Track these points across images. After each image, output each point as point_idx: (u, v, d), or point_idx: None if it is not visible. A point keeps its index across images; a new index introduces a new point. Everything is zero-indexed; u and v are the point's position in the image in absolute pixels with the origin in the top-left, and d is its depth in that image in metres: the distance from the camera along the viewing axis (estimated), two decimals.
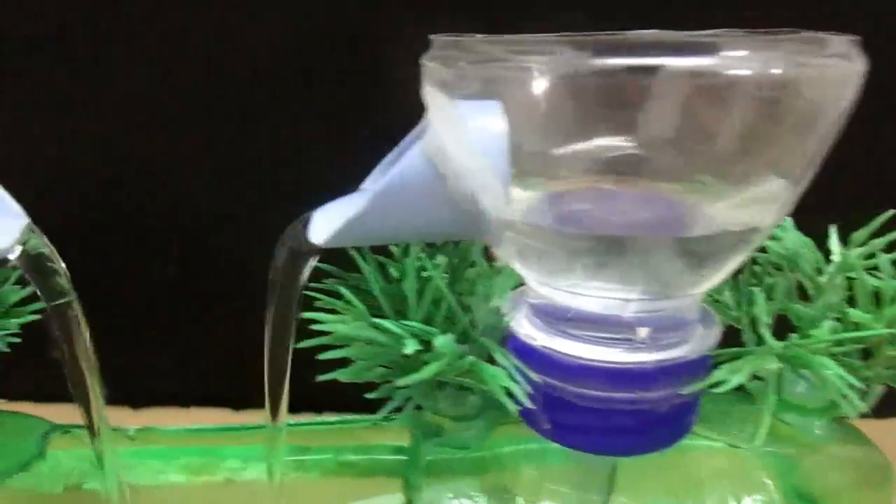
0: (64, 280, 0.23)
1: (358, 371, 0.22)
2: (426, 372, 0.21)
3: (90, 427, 0.25)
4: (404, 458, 0.30)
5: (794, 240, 0.27)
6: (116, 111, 0.43)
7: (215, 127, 0.43)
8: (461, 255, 0.25)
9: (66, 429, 0.29)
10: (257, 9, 0.41)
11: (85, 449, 0.30)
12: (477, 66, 0.20)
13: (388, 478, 0.31)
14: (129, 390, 0.46)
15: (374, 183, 0.25)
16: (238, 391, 0.46)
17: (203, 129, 0.43)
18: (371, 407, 0.32)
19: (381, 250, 0.25)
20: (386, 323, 0.21)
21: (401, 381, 0.21)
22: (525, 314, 0.24)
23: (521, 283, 0.25)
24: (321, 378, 0.22)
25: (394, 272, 0.24)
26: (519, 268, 0.23)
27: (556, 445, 0.24)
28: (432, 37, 0.22)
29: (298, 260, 0.23)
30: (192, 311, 0.46)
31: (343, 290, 0.22)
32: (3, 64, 0.41)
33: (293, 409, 0.26)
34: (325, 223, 0.22)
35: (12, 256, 0.22)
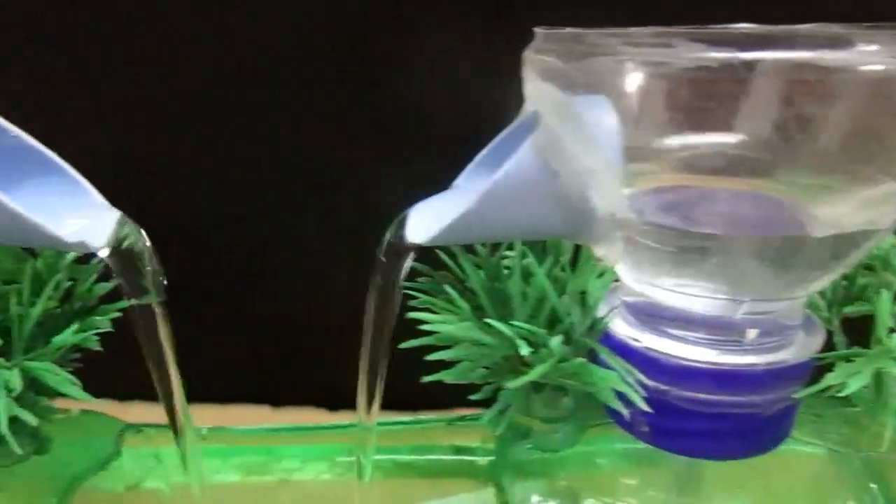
0: (151, 277, 0.23)
1: (462, 372, 0.21)
2: (535, 374, 0.20)
3: (173, 426, 0.25)
4: (470, 458, 0.29)
5: (887, 239, 0.27)
6: (116, 111, 0.42)
7: (215, 127, 0.43)
8: (554, 253, 0.24)
9: (138, 428, 0.29)
10: (257, 9, 0.40)
11: (147, 448, 0.30)
12: (591, 59, 0.20)
13: (459, 479, 0.31)
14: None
15: (469, 180, 0.24)
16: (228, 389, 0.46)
17: (203, 129, 0.43)
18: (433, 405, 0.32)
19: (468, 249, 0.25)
20: (498, 324, 0.20)
21: (511, 384, 0.20)
22: (621, 314, 0.23)
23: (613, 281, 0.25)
24: (427, 379, 0.21)
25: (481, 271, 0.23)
26: (622, 267, 0.22)
27: (645, 446, 0.24)
28: (538, 29, 0.22)
29: (397, 259, 0.22)
30: (191, 310, 0.46)
31: (449, 290, 0.21)
32: (1, 63, 0.41)
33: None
34: (426, 222, 0.22)
35: (103, 254, 0.22)
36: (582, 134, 0.19)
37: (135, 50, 0.41)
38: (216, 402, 0.47)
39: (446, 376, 0.21)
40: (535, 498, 0.25)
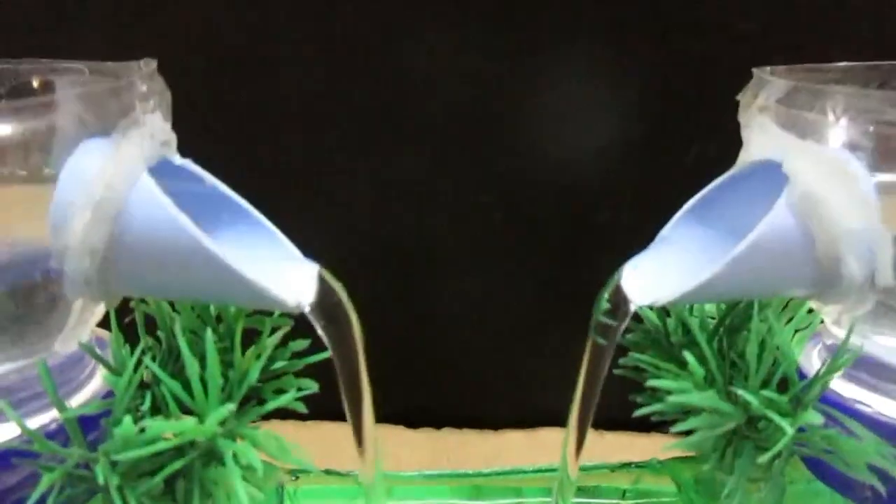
0: (354, 328, 0.21)
1: (697, 442, 0.20)
2: (782, 444, 0.19)
3: (360, 447, 0.24)
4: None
5: None
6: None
7: (216, 125, 0.41)
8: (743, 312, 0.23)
9: (296, 474, 0.28)
10: (267, 7, 0.39)
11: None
12: (855, 116, 0.19)
13: None
14: None
15: (680, 230, 0.23)
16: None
17: (204, 128, 0.41)
18: None
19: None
20: (746, 393, 0.19)
21: (761, 459, 0.19)
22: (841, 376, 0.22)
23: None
24: (667, 447, 0.20)
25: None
26: (857, 327, 0.21)
27: None
28: (761, 73, 0.21)
29: (617, 319, 0.21)
30: None
31: (688, 356, 0.20)
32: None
33: None
34: (652, 282, 0.21)
35: (306, 310, 0.21)
36: (852, 192, 0.18)
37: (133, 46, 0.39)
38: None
39: (685, 446, 0.20)
40: None
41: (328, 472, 0.28)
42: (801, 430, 0.20)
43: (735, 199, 0.22)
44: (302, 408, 0.21)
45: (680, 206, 0.27)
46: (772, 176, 0.20)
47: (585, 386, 0.22)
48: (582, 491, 0.30)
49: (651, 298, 0.20)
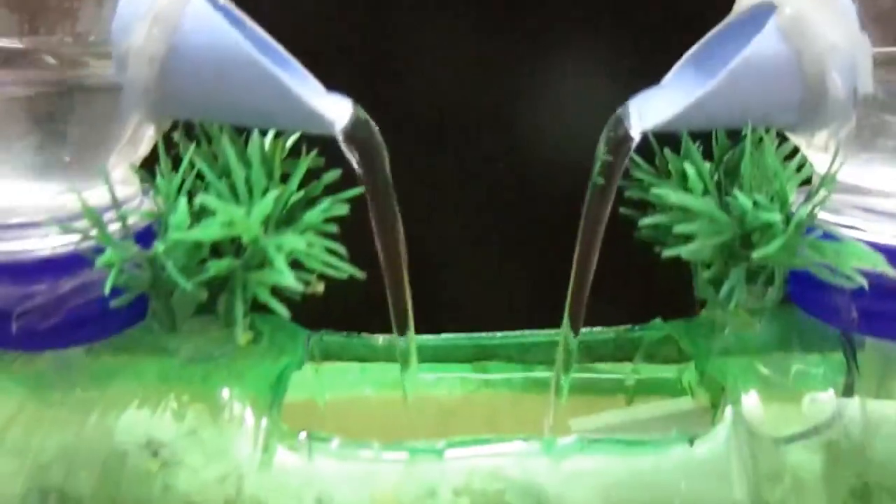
0: (385, 159, 0.23)
1: (698, 250, 0.22)
2: (777, 244, 0.21)
3: (398, 323, 0.25)
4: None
5: None
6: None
7: None
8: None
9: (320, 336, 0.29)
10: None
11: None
12: None
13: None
14: None
15: (680, 78, 0.25)
16: None
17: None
18: None
19: None
20: (742, 196, 0.21)
21: (758, 254, 0.21)
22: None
23: None
24: (667, 253, 0.22)
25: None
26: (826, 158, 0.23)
27: None
28: None
29: (620, 151, 0.23)
30: None
31: (687, 167, 0.22)
32: None
33: None
34: (652, 111, 0.23)
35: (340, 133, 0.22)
36: (835, 11, 0.20)
37: None
38: None
39: (685, 251, 0.22)
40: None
41: (349, 335, 0.30)
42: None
43: (732, 46, 0.24)
44: (332, 228, 0.23)
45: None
46: (764, 22, 0.22)
47: (586, 233, 0.24)
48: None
49: (649, 123, 0.22)
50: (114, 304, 0.21)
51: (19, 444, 0.24)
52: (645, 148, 0.24)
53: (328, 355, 0.30)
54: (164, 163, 0.22)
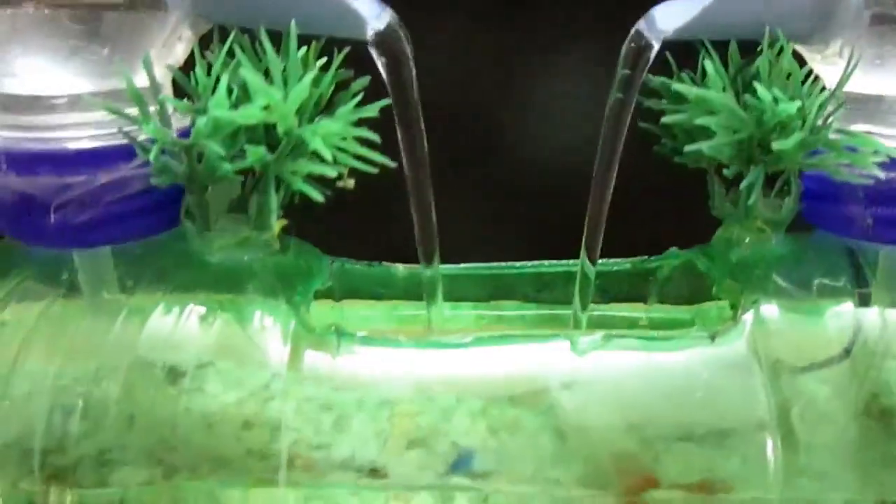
0: (413, 73, 0.24)
1: (718, 147, 0.23)
2: (796, 138, 0.22)
3: (425, 249, 0.26)
4: None
5: None
6: None
7: None
8: None
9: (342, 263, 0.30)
10: None
11: None
12: None
13: None
14: None
15: None
16: None
17: None
18: None
19: None
20: (761, 88, 0.22)
21: (777, 145, 0.22)
22: None
23: None
24: (688, 148, 0.23)
25: None
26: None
27: None
28: None
29: (640, 61, 0.24)
30: None
31: (707, 65, 0.23)
32: None
33: None
34: (672, 16, 0.24)
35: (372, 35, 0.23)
36: None
37: None
38: None
39: (706, 146, 0.23)
40: None
41: (370, 264, 0.30)
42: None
43: None
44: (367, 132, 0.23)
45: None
46: None
47: (604, 150, 0.24)
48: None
49: (668, 27, 0.23)
50: (154, 180, 0.21)
51: (46, 350, 0.24)
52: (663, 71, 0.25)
53: (349, 285, 0.30)
54: (200, 65, 0.23)
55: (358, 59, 0.24)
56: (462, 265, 0.31)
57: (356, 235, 0.31)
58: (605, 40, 0.25)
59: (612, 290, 0.32)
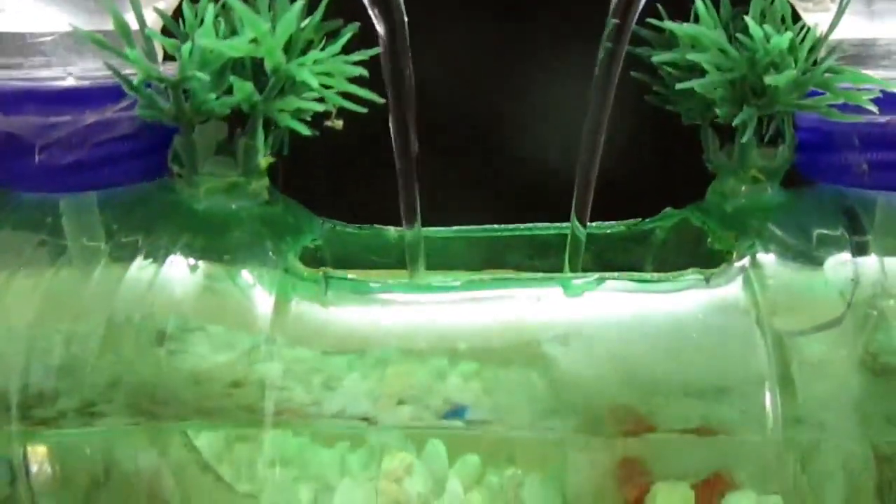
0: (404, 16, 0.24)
1: (708, 85, 0.22)
2: (788, 75, 0.21)
3: (409, 209, 0.25)
4: None
5: None
6: None
7: None
8: None
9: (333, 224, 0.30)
10: None
11: None
12: None
13: None
14: None
15: None
16: None
17: None
18: None
19: None
20: (753, 24, 0.22)
21: (770, 80, 0.21)
22: None
23: None
24: (680, 86, 0.22)
25: None
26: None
27: None
28: None
29: (630, 9, 0.23)
30: None
31: (699, 5, 0.23)
32: None
33: None
34: None
35: None
36: None
37: None
38: None
39: (698, 84, 0.22)
40: None
41: (361, 227, 0.30)
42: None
43: None
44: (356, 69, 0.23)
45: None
46: None
47: (596, 101, 0.24)
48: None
49: None
50: (139, 112, 0.21)
51: (24, 297, 0.23)
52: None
53: (340, 247, 0.30)
54: (186, 4, 0.23)
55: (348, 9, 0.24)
56: (454, 227, 0.31)
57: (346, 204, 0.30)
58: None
59: (606, 255, 0.31)
